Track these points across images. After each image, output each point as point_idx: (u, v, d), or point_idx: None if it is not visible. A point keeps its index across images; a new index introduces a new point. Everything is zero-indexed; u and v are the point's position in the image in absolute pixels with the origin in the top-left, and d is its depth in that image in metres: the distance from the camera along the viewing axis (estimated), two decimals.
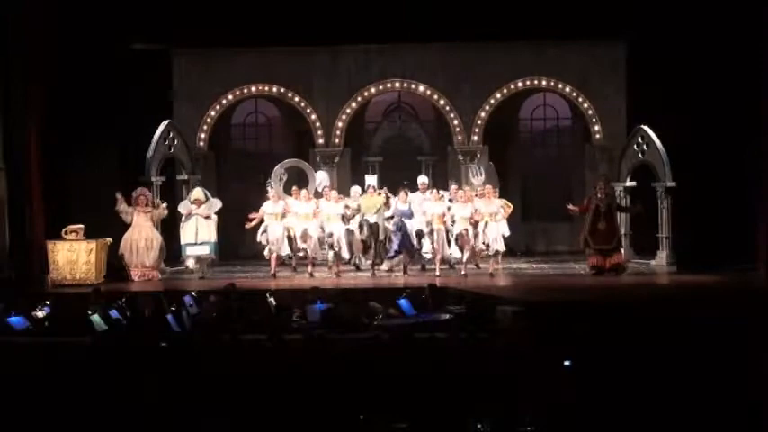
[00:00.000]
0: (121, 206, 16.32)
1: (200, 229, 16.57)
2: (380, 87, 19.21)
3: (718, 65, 16.14)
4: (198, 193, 16.85)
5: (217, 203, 16.87)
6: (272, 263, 16.64)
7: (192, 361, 9.17)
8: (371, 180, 17.49)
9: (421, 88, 19.08)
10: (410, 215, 16.46)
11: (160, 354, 9.79)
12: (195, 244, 16.55)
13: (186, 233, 16.61)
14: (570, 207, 16.72)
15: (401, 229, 16.29)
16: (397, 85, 19.19)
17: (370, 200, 16.68)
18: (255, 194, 17.49)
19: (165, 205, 16.82)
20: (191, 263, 16.64)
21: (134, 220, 16.42)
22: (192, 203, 16.69)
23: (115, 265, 16.45)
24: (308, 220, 16.58)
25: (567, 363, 8.63)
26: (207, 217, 16.64)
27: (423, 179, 17.82)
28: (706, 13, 16.06)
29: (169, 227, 17.06)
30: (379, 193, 16.83)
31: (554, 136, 20.84)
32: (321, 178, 17.80)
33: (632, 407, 7.67)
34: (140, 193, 16.55)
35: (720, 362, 8.69)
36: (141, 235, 16.40)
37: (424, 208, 16.49)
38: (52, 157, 16.55)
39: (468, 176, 18.41)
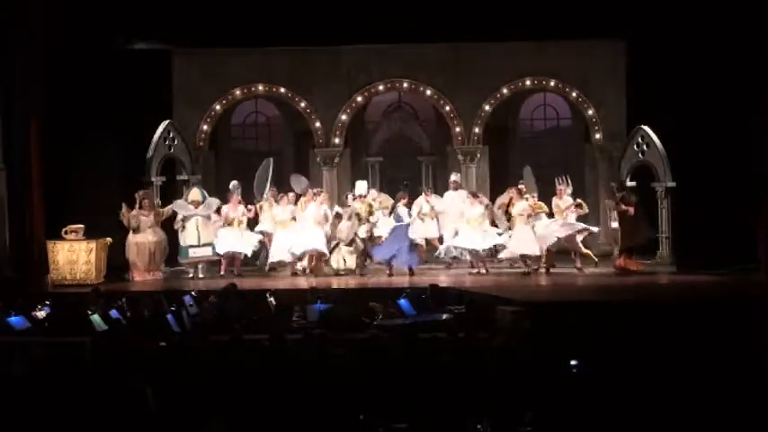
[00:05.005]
0: (126, 215, 16.29)
1: (201, 231, 16.58)
2: (380, 87, 19.20)
3: (718, 64, 16.12)
4: (195, 194, 16.88)
5: (214, 202, 16.90)
6: (233, 263, 16.82)
7: (192, 361, 9.16)
8: (361, 187, 17.25)
9: (421, 88, 19.09)
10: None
11: (160, 354, 9.79)
12: (198, 246, 16.55)
13: (188, 235, 16.60)
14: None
15: (399, 237, 16.31)
16: (397, 85, 19.20)
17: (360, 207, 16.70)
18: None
19: (157, 203, 16.89)
20: (200, 272, 16.65)
21: (140, 223, 16.38)
22: (189, 204, 16.72)
23: (118, 266, 16.48)
24: (285, 226, 16.62)
25: (573, 363, 8.62)
26: (207, 217, 16.67)
27: (455, 176, 17.84)
28: (706, 13, 16.05)
29: (169, 227, 17.06)
30: (370, 202, 16.84)
31: (554, 136, 20.83)
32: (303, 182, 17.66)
33: (631, 407, 7.67)
34: (143, 196, 16.51)
35: (720, 362, 8.69)
36: (148, 238, 16.38)
37: (463, 211, 16.61)
38: (52, 157, 16.55)
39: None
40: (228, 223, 16.70)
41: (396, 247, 16.28)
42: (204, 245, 16.56)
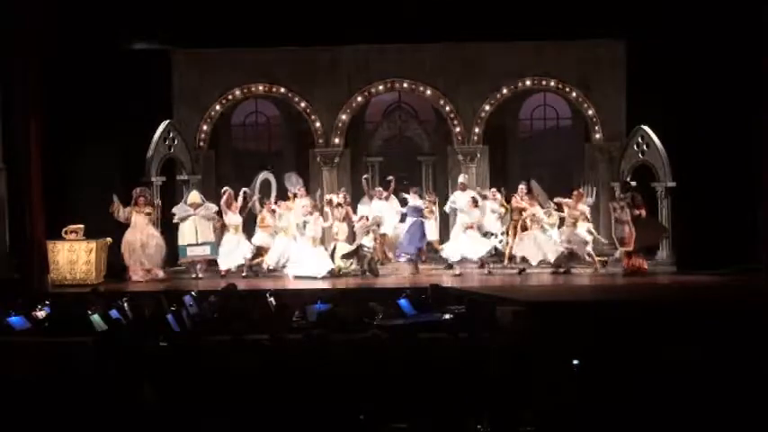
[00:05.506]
0: (116, 206, 16.35)
1: (199, 230, 16.62)
2: (380, 87, 19.19)
3: (718, 64, 16.14)
4: (195, 196, 16.93)
5: (213, 207, 16.92)
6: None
7: (192, 361, 9.16)
8: (363, 211, 17.24)
9: (421, 88, 19.08)
10: (422, 212, 16.71)
11: (160, 354, 9.79)
12: (196, 245, 16.57)
13: (186, 234, 16.63)
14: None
15: (419, 228, 16.49)
16: (397, 85, 19.20)
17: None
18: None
19: (157, 203, 16.94)
20: (200, 272, 16.68)
21: (132, 220, 16.44)
22: (189, 207, 16.74)
23: (118, 266, 16.49)
24: (288, 233, 16.65)
25: (575, 362, 8.63)
26: (205, 218, 16.69)
27: (462, 178, 17.88)
28: (706, 13, 16.06)
29: (169, 227, 17.07)
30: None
31: (554, 136, 20.83)
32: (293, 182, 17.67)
33: (632, 407, 7.67)
34: (140, 194, 16.60)
35: (721, 361, 8.69)
36: (137, 236, 16.42)
37: (470, 212, 16.62)
38: (52, 156, 16.55)
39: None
40: (234, 227, 16.75)
41: (421, 241, 16.70)
42: (202, 244, 16.58)
